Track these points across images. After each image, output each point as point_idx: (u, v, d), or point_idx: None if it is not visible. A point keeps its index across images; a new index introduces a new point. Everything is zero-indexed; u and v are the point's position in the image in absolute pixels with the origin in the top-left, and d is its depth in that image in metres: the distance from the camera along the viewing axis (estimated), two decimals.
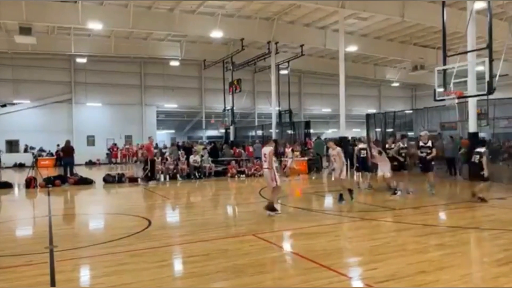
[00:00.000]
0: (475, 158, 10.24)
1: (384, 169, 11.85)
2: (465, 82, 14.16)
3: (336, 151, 10.59)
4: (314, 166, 20.59)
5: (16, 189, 15.57)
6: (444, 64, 14.13)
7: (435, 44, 28.67)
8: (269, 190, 9.45)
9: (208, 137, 36.66)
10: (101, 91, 32.81)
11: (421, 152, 11.77)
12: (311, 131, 27.96)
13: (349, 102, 26.19)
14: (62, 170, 18.57)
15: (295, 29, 26.31)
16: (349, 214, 9.36)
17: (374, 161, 12.67)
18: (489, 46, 12.97)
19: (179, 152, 18.95)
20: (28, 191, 14.63)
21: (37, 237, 7.64)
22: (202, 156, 18.61)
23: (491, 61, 12.89)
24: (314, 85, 40.27)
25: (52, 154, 28.93)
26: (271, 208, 9.02)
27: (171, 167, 17.83)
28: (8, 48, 27.11)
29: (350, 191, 10.72)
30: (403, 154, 12.22)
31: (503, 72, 15.27)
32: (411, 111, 27.52)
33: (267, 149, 9.24)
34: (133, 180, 16.96)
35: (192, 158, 18.07)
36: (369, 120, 21.95)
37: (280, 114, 28.62)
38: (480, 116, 16.21)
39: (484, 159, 10.00)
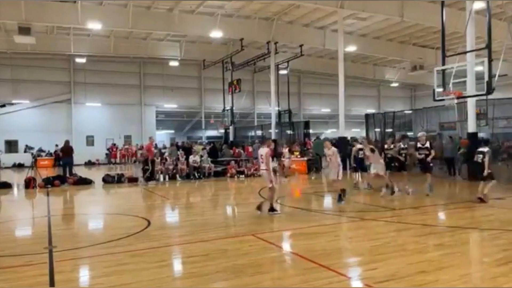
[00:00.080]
0: (478, 158, 10.24)
1: (377, 167, 11.71)
2: (464, 82, 14.18)
3: (331, 151, 10.59)
4: (314, 166, 20.61)
5: (15, 189, 15.56)
6: (443, 64, 14.15)
7: (434, 44, 28.69)
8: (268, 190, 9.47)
9: (208, 137, 36.66)
10: (101, 91, 32.80)
11: (419, 154, 11.78)
12: (311, 131, 27.99)
13: (348, 102, 26.19)
14: (61, 170, 18.58)
15: (294, 29, 26.33)
16: (348, 214, 9.36)
17: (368, 160, 12.60)
18: (488, 46, 12.99)
19: (179, 152, 18.95)
20: (27, 191, 14.61)
21: (37, 238, 7.64)
22: (201, 156, 18.61)
23: (490, 61, 12.90)
24: (314, 85, 40.28)
25: (51, 154, 28.93)
26: (270, 208, 9.06)
27: (171, 167, 17.83)
28: (7, 48, 27.11)
29: (343, 191, 10.65)
30: (404, 155, 12.21)
31: (502, 72, 15.29)
32: (410, 111, 27.55)
33: (264, 150, 9.26)
34: (132, 180, 16.95)
35: (191, 158, 18.06)
36: (368, 120, 21.97)
37: (279, 114, 28.63)
38: (479, 116, 16.24)
39: (486, 159, 10.01)
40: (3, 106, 30.21)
